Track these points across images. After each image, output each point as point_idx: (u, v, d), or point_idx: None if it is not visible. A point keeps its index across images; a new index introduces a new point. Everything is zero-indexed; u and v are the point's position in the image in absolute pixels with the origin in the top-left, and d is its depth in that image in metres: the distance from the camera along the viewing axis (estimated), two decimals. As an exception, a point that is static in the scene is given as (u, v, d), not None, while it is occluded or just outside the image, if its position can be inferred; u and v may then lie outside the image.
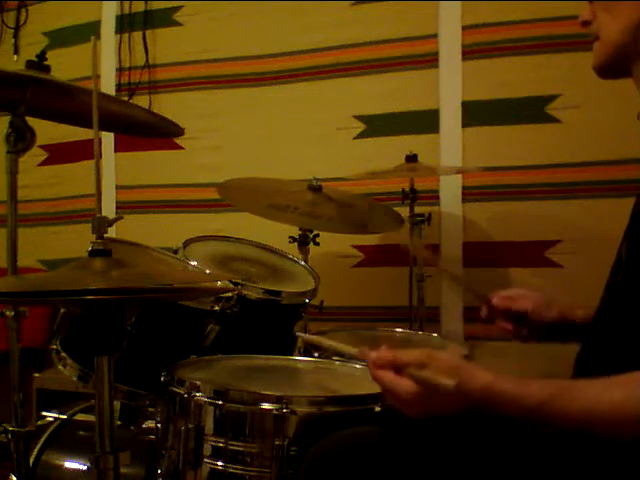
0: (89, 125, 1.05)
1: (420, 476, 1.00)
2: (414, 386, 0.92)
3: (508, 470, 0.97)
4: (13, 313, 1.41)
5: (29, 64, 1.39)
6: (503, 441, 1.00)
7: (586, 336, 1.08)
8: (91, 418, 1.57)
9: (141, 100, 2.88)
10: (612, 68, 1.06)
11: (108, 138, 2.93)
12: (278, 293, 1.73)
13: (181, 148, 2.86)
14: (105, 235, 1.04)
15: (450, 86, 2.46)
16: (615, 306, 1.00)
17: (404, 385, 0.93)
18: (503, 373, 0.89)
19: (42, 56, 1.39)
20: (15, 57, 3.17)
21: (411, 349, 0.96)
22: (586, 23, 1.07)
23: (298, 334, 1.69)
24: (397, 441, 1.05)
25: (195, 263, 1.69)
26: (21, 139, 1.39)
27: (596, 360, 1.02)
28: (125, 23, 2.95)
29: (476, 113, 2.43)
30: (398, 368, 0.95)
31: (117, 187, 2.98)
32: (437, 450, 1.02)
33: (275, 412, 1.19)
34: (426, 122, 2.49)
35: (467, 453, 1.00)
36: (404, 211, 2.25)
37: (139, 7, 2.93)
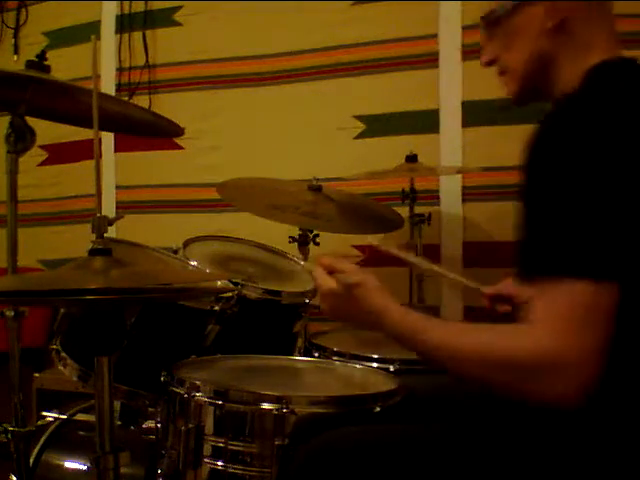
0: (89, 125, 1.05)
1: (411, 475, 1.01)
2: (335, 285, 1.13)
3: (505, 470, 0.98)
4: (13, 313, 1.41)
5: (29, 64, 1.39)
6: (498, 442, 1.00)
7: None
8: (91, 418, 1.57)
9: (141, 100, 2.88)
10: (526, 95, 1.17)
11: (108, 138, 2.94)
12: (278, 293, 1.73)
13: (181, 148, 2.86)
14: (105, 235, 1.04)
15: (450, 86, 2.46)
16: None
17: (329, 282, 1.14)
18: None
19: (42, 56, 1.39)
20: (15, 57, 3.17)
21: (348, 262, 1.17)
22: (491, 63, 1.18)
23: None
24: (388, 441, 1.06)
25: (195, 263, 1.69)
26: (21, 139, 1.39)
27: None
28: (125, 23, 2.95)
29: (476, 113, 2.43)
30: (332, 272, 1.15)
31: (117, 187, 2.98)
32: (427, 450, 1.03)
33: (275, 412, 1.19)
34: (426, 122, 2.49)
35: (459, 454, 1.01)
36: (404, 211, 2.25)
37: (139, 7, 2.94)
